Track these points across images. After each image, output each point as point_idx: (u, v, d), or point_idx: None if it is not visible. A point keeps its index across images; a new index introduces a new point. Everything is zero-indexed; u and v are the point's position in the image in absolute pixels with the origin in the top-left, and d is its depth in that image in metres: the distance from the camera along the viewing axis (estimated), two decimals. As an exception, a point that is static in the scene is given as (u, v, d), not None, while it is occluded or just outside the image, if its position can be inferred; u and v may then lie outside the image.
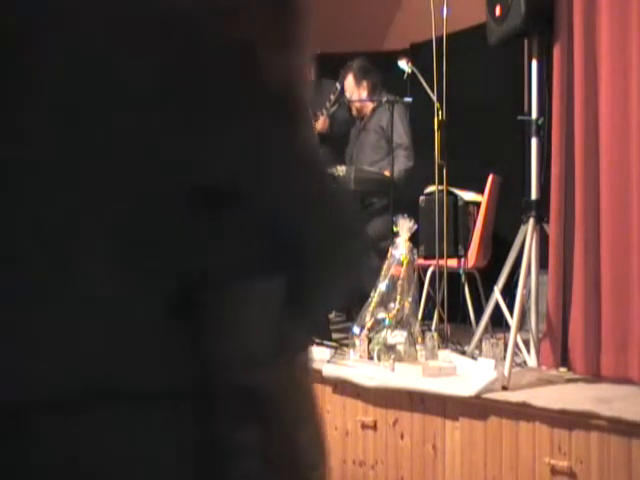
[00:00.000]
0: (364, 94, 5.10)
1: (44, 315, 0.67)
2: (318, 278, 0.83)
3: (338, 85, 5.13)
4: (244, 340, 0.77)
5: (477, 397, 2.96)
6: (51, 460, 0.67)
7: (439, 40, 4.03)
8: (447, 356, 3.53)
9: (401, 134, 4.80)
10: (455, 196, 4.50)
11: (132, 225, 0.70)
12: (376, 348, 3.56)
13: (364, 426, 3.36)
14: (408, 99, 4.70)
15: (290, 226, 0.78)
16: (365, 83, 5.09)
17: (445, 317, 4.24)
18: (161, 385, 0.69)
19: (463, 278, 4.51)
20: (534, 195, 3.48)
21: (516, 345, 3.26)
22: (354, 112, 5.25)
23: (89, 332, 0.68)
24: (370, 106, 5.12)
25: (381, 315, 3.67)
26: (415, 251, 3.85)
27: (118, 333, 0.68)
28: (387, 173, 4.66)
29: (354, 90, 5.11)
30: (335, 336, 4.24)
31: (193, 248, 0.72)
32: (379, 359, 3.53)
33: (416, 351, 3.55)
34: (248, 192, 0.75)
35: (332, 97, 5.14)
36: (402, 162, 4.80)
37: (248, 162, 0.75)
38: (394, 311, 3.66)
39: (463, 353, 3.59)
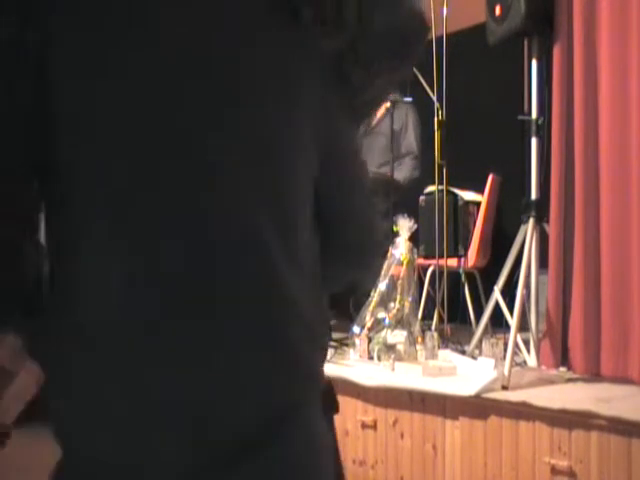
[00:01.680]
0: None
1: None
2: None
3: None
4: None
5: (477, 397, 2.96)
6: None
7: (439, 40, 4.03)
8: (447, 356, 3.53)
9: (412, 142, 4.79)
10: (455, 196, 4.51)
11: None
12: (376, 348, 3.56)
13: (364, 426, 3.36)
14: (408, 99, 4.70)
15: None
16: None
17: (445, 317, 4.24)
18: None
19: (463, 278, 4.51)
20: (534, 195, 3.48)
21: (516, 345, 3.26)
22: None
23: None
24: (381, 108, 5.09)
25: (381, 315, 3.67)
26: (415, 251, 3.85)
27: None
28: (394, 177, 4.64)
29: None
30: (335, 336, 4.24)
31: None
32: (379, 359, 3.53)
33: (416, 351, 3.55)
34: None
35: None
36: (409, 171, 4.78)
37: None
38: (394, 311, 3.66)
39: (463, 353, 3.59)
